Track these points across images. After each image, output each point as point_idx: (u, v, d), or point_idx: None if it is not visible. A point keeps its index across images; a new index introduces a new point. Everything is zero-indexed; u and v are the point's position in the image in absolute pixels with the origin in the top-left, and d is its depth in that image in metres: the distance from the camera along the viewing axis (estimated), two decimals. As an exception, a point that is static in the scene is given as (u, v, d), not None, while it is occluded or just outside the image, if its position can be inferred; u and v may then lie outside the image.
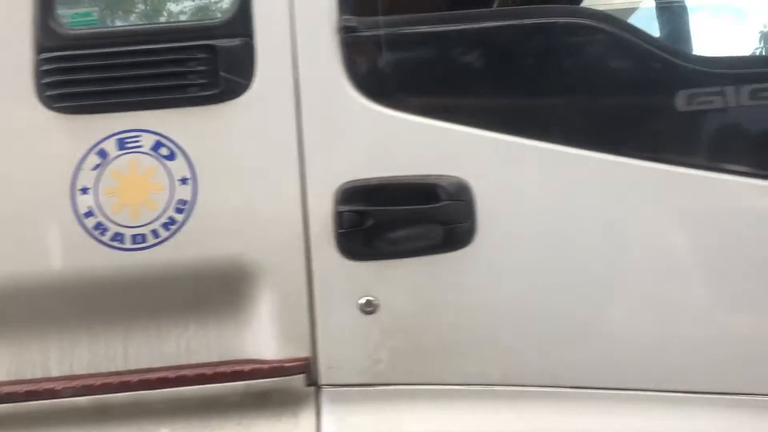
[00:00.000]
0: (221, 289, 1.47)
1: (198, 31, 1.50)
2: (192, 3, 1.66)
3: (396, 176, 1.45)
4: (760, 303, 1.45)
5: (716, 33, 1.77)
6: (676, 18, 2.01)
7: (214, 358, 1.50)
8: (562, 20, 1.51)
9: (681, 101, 1.46)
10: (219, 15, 1.46)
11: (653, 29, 1.88)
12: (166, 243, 1.44)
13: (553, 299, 1.45)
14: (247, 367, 1.43)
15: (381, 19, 1.51)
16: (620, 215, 1.46)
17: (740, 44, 1.76)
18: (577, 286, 1.45)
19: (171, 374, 1.42)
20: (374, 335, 1.44)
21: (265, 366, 1.43)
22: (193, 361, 1.50)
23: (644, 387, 1.44)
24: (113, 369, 1.49)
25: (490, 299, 1.44)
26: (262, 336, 1.47)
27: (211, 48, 1.46)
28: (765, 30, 1.76)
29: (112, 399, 1.42)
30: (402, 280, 1.44)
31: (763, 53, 1.84)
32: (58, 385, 1.43)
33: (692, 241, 1.46)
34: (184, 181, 1.45)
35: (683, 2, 2.05)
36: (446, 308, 1.45)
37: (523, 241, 1.45)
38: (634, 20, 1.95)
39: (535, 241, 1.45)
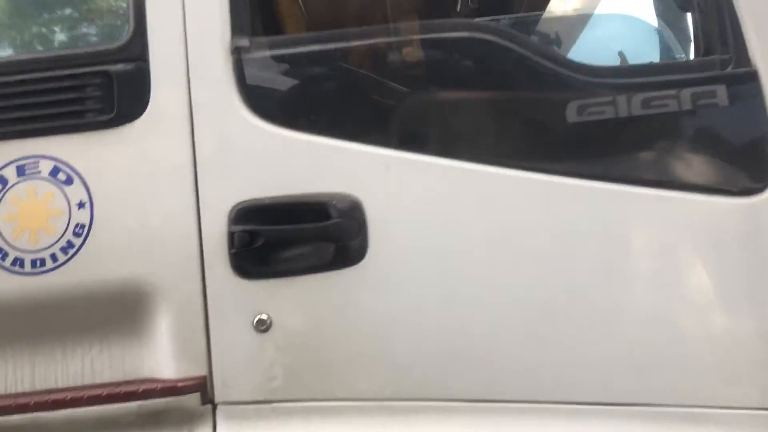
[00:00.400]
0: (121, 310, 1.50)
1: (93, 57, 1.53)
2: (87, 29, 1.68)
3: (288, 195, 1.46)
4: (647, 312, 1.43)
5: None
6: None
7: (119, 378, 1.52)
8: (453, 35, 1.51)
9: (572, 112, 1.46)
10: (114, 41, 1.48)
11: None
12: (65, 266, 1.47)
13: (443, 314, 1.45)
14: (140, 387, 1.45)
15: (272, 39, 1.54)
16: (511, 228, 1.46)
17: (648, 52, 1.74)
18: (467, 300, 1.45)
19: (66, 396, 1.44)
20: (268, 353, 1.45)
21: (158, 386, 1.45)
22: (98, 381, 1.52)
23: (537, 399, 1.44)
24: (21, 390, 1.52)
25: (381, 315, 1.45)
26: (161, 355, 1.49)
27: (106, 74, 1.49)
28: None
29: (9, 421, 1.44)
30: (295, 297, 1.46)
31: (654, 61, 1.82)
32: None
33: (583, 252, 1.45)
34: (81, 205, 1.47)
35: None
36: (338, 325, 1.46)
37: (413, 257, 1.46)
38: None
39: (426, 257, 1.46)
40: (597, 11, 2.00)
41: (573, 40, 1.92)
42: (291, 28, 3.16)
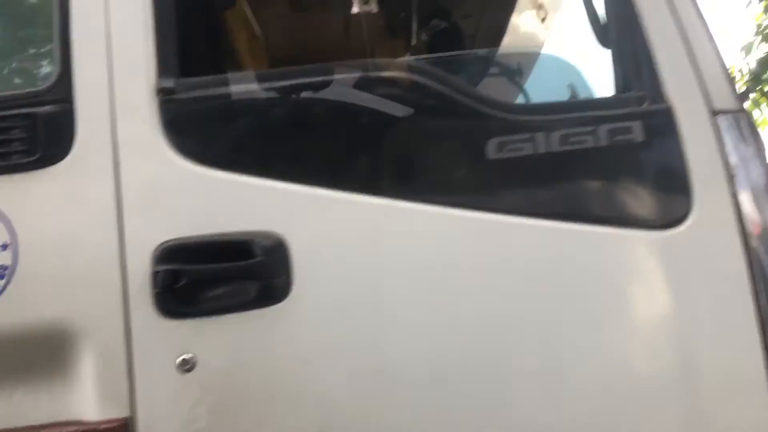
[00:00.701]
0: (46, 352, 1.49)
1: (19, 100, 1.53)
2: (12, 71, 1.70)
3: (213, 234, 1.47)
4: (569, 343, 1.45)
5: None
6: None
7: (44, 420, 1.51)
8: (376, 74, 1.54)
9: (492, 149, 1.48)
10: (40, 82, 1.50)
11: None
12: (-12, 308, 1.46)
13: (368, 352, 1.45)
14: (63, 430, 1.43)
15: (198, 80, 1.55)
16: (435, 265, 1.47)
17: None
18: (391, 338, 1.46)
19: (-12, 439, 1.43)
20: (192, 393, 1.45)
21: (80, 428, 1.43)
22: (23, 423, 1.50)
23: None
24: (-53, 433, 1.50)
25: (306, 354, 1.45)
26: (86, 397, 1.48)
27: (32, 116, 1.50)
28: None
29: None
30: (219, 337, 1.46)
31: (573, 98, 1.86)
32: None
33: (507, 287, 1.47)
34: (4, 247, 1.47)
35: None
36: (263, 364, 1.46)
37: (338, 295, 1.46)
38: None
39: (350, 295, 1.46)
40: (523, 50, 2.05)
41: (502, 78, 1.96)
42: (252, 65, 3.20)
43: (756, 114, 8.13)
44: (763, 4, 8.07)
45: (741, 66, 8.19)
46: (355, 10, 3.17)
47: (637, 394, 1.44)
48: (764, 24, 8.34)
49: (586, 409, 1.46)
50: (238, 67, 3.08)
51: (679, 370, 1.46)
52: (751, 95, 8.07)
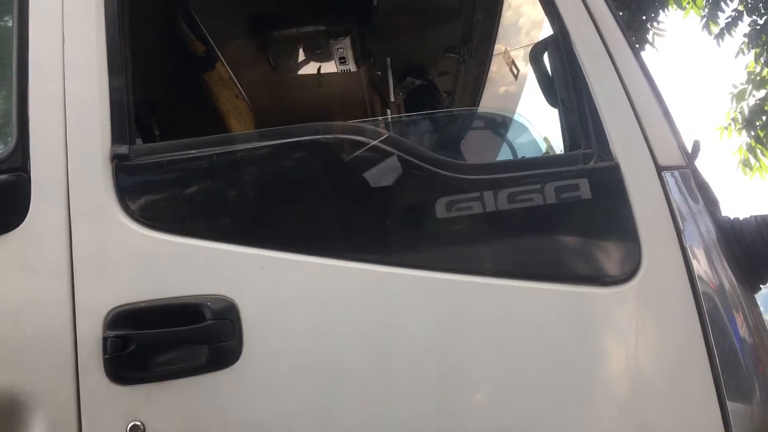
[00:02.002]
0: (-3, 419, 1.48)
1: (-26, 169, 1.56)
2: None
3: (163, 298, 1.48)
4: (521, 398, 1.43)
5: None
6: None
7: (-6, 489, 1.49)
8: (325, 137, 1.56)
9: (440, 208, 1.50)
10: (-2, 152, 1.53)
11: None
12: (-61, 376, 1.46)
13: (318, 416, 1.44)
14: (9, 501, 1.42)
15: (152, 145, 1.58)
16: (386, 325, 1.47)
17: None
18: (342, 401, 1.44)
19: None
20: (142, 461, 1.43)
21: (27, 498, 1.42)
22: (-26, 494, 1.49)
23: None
24: None
25: (257, 417, 1.45)
26: (36, 465, 1.47)
27: (-15, 185, 1.52)
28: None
29: None
30: (169, 402, 1.45)
31: (519, 157, 1.88)
32: None
33: (458, 345, 1.46)
34: (-43, 314, 1.48)
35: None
36: (213, 428, 1.44)
37: (288, 357, 1.46)
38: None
39: (301, 357, 1.46)
40: (480, 110, 2.08)
41: (456, 136, 1.99)
42: (234, 123, 3.26)
43: (752, 161, 8.13)
44: (753, 52, 8.16)
45: (734, 114, 8.23)
46: (334, 69, 3.25)
47: None
48: (756, 71, 8.42)
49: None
50: (224, 128, 3.14)
51: (634, 426, 1.44)
52: (746, 141, 8.09)
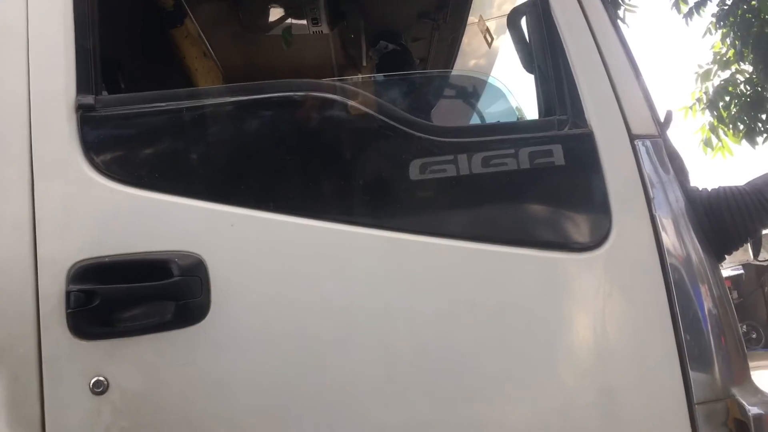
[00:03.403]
0: (-45, 374, 1.44)
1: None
2: None
3: (129, 253, 1.44)
4: (490, 366, 1.44)
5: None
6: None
7: (-48, 444, 1.46)
8: (297, 94, 1.53)
9: (414, 170, 1.48)
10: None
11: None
12: None
13: (285, 374, 1.43)
14: (-33, 456, 1.39)
15: (118, 97, 1.53)
16: (355, 285, 1.46)
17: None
18: (309, 359, 1.44)
19: None
20: (104, 416, 1.41)
21: (-15, 453, 1.39)
22: (-70, 448, 1.45)
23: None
24: None
25: (221, 375, 1.43)
26: (-5, 421, 1.43)
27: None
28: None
29: None
30: (134, 358, 1.43)
31: (496, 121, 1.88)
32: None
33: (427, 308, 1.46)
34: None
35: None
36: (178, 385, 1.43)
37: (256, 315, 1.45)
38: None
39: (269, 316, 1.44)
40: (454, 72, 2.06)
41: (430, 100, 1.97)
42: (202, 82, 3.19)
43: (714, 141, 8.27)
44: (720, 32, 8.25)
45: (699, 94, 8.35)
46: (306, 31, 3.19)
47: (556, 414, 1.44)
48: (722, 52, 8.54)
49: (509, 430, 1.45)
50: (190, 85, 3.07)
51: (598, 391, 1.46)
52: (709, 121, 8.23)
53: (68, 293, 1.41)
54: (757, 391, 1.50)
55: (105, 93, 1.57)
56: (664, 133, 1.56)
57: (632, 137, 1.52)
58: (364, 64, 3.37)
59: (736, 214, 1.51)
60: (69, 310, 1.41)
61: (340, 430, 1.42)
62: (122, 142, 1.52)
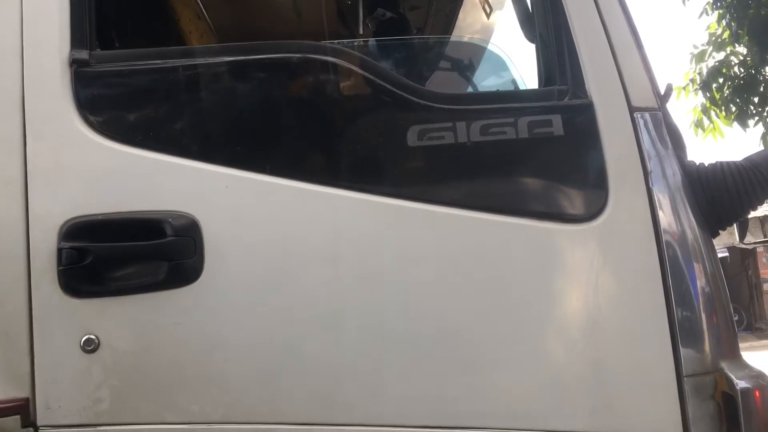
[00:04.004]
0: (-56, 330, 1.42)
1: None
2: None
3: (123, 212, 1.43)
4: (483, 335, 1.44)
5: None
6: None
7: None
8: (295, 56, 1.51)
9: (412, 136, 1.47)
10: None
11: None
12: None
13: (278, 337, 1.43)
14: (-44, 410, 1.38)
15: (113, 53, 1.51)
16: (349, 250, 1.46)
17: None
18: (303, 323, 1.43)
19: None
20: (95, 374, 1.41)
21: (-25, 408, 1.38)
22: None
23: (373, 422, 1.43)
24: None
25: (213, 337, 1.43)
26: (-16, 377, 1.42)
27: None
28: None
29: None
30: (125, 317, 1.42)
31: (495, 89, 1.86)
32: None
33: (421, 275, 1.46)
34: None
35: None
36: (170, 346, 1.42)
37: (249, 278, 1.44)
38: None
39: (262, 278, 1.44)
40: (453, 39, 2.04)
41: (429, 66, 1.95)
42: (196, 44, 3.14)
43: (705, 122, 8.27)
44: (716, 13, 8.22)
45: (693, 75, 8.33)
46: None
47: (547, 384, 1.45)
48: (717, 33, 8.50)
49: (501, 399, 1.46)
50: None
51: (589, 361, 1.47)
52: (701, 102, 8.22)
53: (60, 250, 1.40)
54: (745, 365, 1.51)
55: (98, 50, 1.53)
56: (663, 107, 1.55)
57: (632, 109, 1.51)
58: (361, 32, 3.33)
59: (733, 189, 1.51)
60: (60, 268, 1.40)
61: (333, 394, 1.42)
62: (117, 99, 1.50)
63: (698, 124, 8.14)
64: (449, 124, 1.47)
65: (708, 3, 7.97)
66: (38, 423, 1.41)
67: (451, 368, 1.44)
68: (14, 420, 1.39)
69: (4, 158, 1.43)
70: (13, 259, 1.41)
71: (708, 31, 8.44)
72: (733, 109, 7.85)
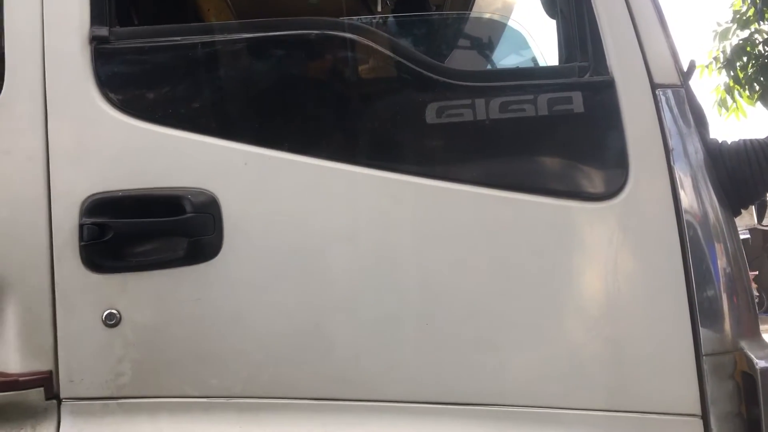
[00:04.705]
0: (-31, 302, 1.45)
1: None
2: None
3: (143, 188, 1.44)
4: (501, 314, 1.45)
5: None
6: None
7: (-32, 372, 1.48)
8: (313, 32, 1.51)
9: (431, 113, 1.46)
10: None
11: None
12: None
13: (296, 313, 1.44)
14: (-19, 382, 1.41)
15: (133, 29, 1.51)
16: (368, 228, 1.46)
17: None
18: (321, 299, 1.44)
19: None
20: (116, 348, 1.43)
21: (0, 380, 1.41)
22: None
23: (387, 398, 1.44)
24: None
25: (233, 312, 1.44)
26: (9, 349, 1.45)
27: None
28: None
29: None
30: (145, 292, 1.44)
31: (515, 66, 1.84)
32: None
33: (440, 253, 1.46)
34: (-73, 193, 1.43)
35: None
36: (190, 321, 1.44)
37: (268, 254, 1.45)
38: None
39: (281, 255, 1.45)
40: (473, 15, 2.02)
41: (448, 43, 1.93)
42: (214, 19, 3.14)
43: (729, 102, 8.14)
44: (741, -9, 8.07)
45: (716, 53, 8.19)
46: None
47: (566, 362, 1.45)
48: (742, 11, 8.34)
49: (519, 378, 1.47)
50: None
51: (608, 340, 1.46)
52: (725, 81, 8.09)
53: (81, 226, 1.41)
54: (765, 345, 1.50)
55: (118, 27, 1.53)
56: (686, 84, 1.53)
57: (654, 86, 1.49)
58: (379, 9, 3.30)
59: (755, 168, 1.49)
60: (82, 243, 1.41)
61: (350, 369, 1.43)
62: (137, 76, 1.50)
63: (721, 104, 8.01)
64: (468, 102, 1.46)
65: (733, -21, 7.81)
66: (61, 395, 1.43)
67: (470, 346, 1.44)
68: (38, 392, 1.42)
69: (26, 135, 1.44)
70: (36, 234, 1.43)
71: (732, 8, 8.28)
72: (757, 88, 7.71)
